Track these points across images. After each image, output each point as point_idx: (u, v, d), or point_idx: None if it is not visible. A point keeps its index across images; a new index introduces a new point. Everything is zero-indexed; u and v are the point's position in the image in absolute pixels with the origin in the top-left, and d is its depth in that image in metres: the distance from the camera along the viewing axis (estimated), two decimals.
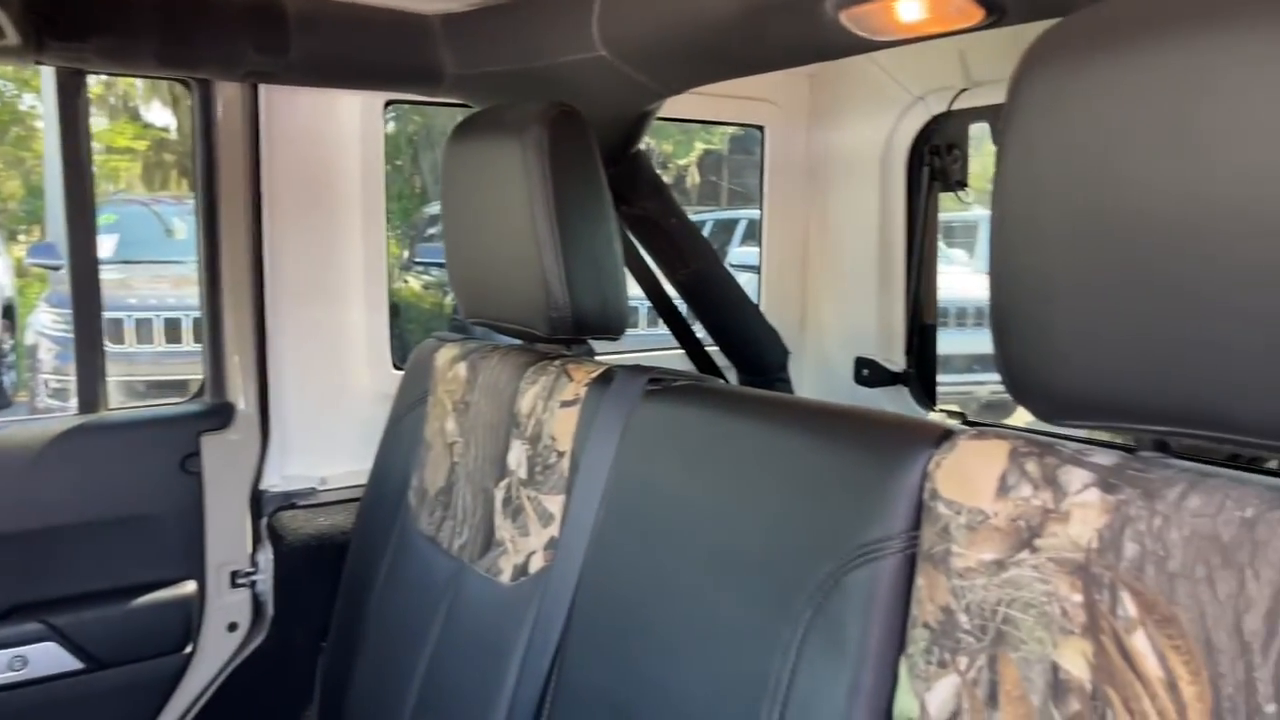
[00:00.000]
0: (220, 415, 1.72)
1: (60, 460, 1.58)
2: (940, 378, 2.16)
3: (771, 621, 0.94)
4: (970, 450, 0.84)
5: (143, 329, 5.80)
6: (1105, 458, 0.76)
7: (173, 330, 5.71)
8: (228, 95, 1.69)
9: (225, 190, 1.71)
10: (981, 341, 0.83)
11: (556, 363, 1.38)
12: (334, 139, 1.81)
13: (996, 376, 1.07)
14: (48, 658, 1.55)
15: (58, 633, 1.55)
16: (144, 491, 1.65)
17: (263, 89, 1.71)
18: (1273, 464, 0.78)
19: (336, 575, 1.73)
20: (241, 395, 1.74)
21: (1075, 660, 0.72)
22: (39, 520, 1.57)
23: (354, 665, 1.59)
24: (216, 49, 1.48)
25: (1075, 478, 0.75)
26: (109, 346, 1.73)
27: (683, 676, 1.03)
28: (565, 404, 1.32)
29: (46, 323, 6.08)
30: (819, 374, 2.28)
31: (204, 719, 1.72)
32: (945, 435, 0.87)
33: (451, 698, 1.36)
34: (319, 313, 1.84)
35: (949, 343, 2.90)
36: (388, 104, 1.85)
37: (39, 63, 1.45)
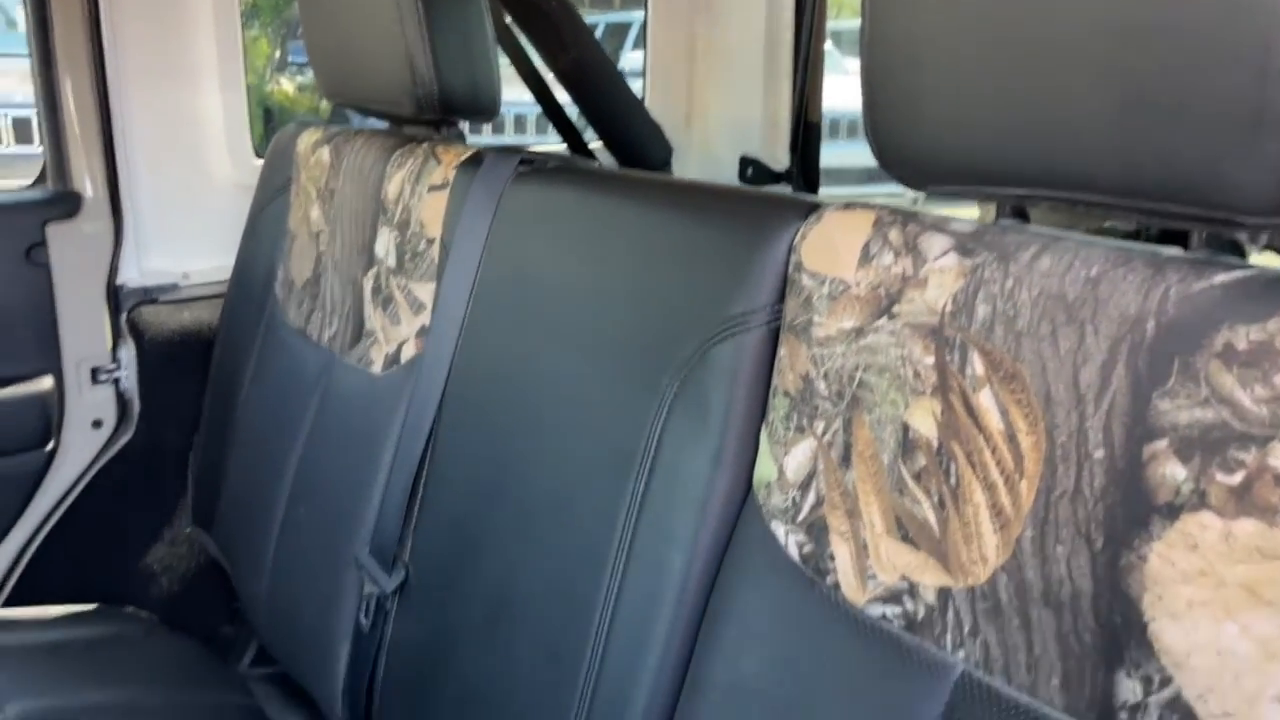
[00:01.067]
0: (65, 203, 1.61)
1: None
2: (825, 190, 2.16)
3: (638, 396, 0.95)
4: (836, 221, 0.84)
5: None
6: (965, 225, 0.76)
7: (22, 129, 5.29)
8: None
9: None
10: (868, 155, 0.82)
11: (424, 145, 1.32)
12: None
13: (883, 189, 1.07)
14: None
15: None
16: None
17: None
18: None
19: (204, 372, 1.68)
20: (88, 182, 1.63)
21: (924, 419, 0.74)
22: None
23: (226, 461, 1.57)
24: None
25: (935, 244, 0.76)
26: None
27: (551, 455, 1.04)
28: (434, 188, 1.27)
29: None
30: (703, 173, 2.25)
31: (72, 516, 1.69)
32: (813, 209, 0.87)
33: (325, 488, 1.35)
34: (171, 95, 1.71)
35: (836, 155, 2.89)
36: None
37: None
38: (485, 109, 1.31)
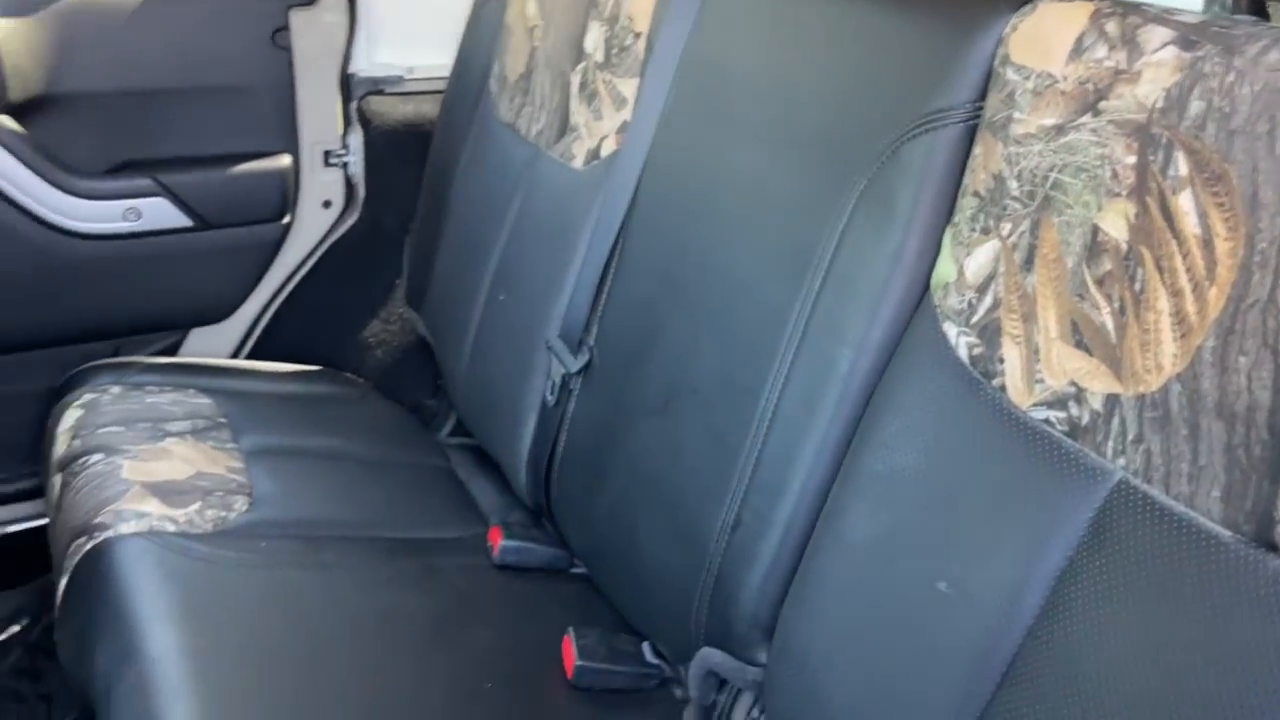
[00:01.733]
0: None
1: (156, 24, 1.61)
2: None
3: (824, 192, 0.95)
4: (1050, 13, 0.79)
5: None
6: (1190, 17, 0.71)
7: None
8: None
9: None
10: None
11: None
12: None
13: None
14: (159, 212, 1.66)
15: (167, 190, 1.65)
16: (236, 61, 1.68)
17: None
18: None
19: (422, 162, 1.78)
20: None
21: (1116, 222, 0.71)
22: (140, 81, 1.63)
23: (437, 246, 1.67)
24: None
25: (1155, 36, 0.71)
26: None
27: (732, 250, 1.06)
28: None
29: None
30: None
31: (302, 288, 1.85)
32: (1025, 0, 0.82)
33: (524, 275, 1.43)
34: None
35: None
36: None
37: None
38: None
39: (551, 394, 1.31)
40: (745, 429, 1.00)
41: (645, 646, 1.17)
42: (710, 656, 1.02)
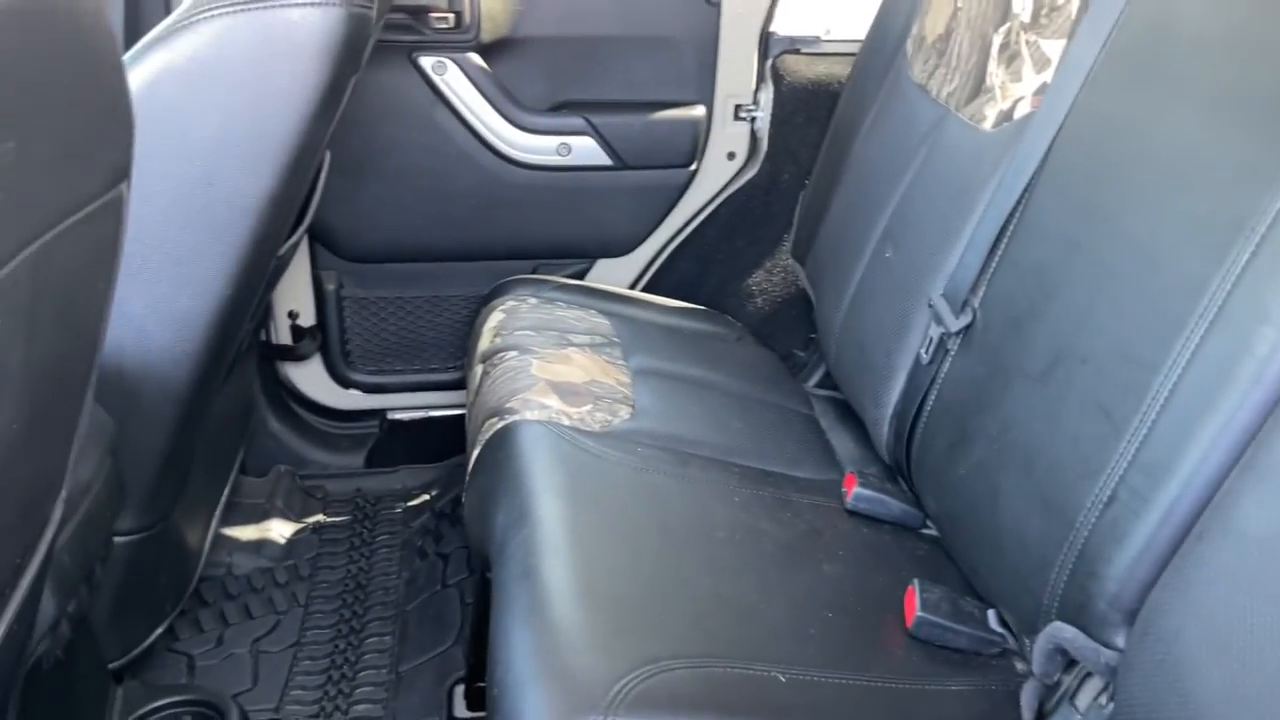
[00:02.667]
0: None
1: None
2: None
3: (1265, 159, 0.88)
4: None
5: None
6: None
7: None
8: None
9: None
10: None
11: None
12: None
13: None
14: (585, 150, 1.85)
15: (594, 130, 1.83)
16: (670, 15, 1.82)
17: None
18: None
19: (826, 121, 1.83)
20: None
21: None
22: (585, 27, 1.81)
23: (830, 201, 1.72)
24: None
25: None
26: None
27: (1149, 216, 1.01)
28: None
29: None
30: None
31: (699, 232, 1.98)
32: None
33: (914, 232, 1.44)
34: None
35: None
36: None
37: None
38: None
39: (927, 352, 1.31)
40: (1136, 404, 0.95)
41: (990, 614, 1.16)
42: (1061, 632, 0.99)
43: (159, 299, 1.17)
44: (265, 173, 1.16)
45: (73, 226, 0.59)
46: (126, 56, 1.09)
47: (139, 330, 1.19)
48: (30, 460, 0.66)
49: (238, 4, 1.11)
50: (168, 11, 1.38)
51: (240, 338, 1.44)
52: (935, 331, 1.30)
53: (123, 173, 0.67)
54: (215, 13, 1.11)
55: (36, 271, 0.55)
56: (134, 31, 1.44)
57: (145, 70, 1.09)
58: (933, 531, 1.34)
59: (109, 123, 0.65)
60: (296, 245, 1.57)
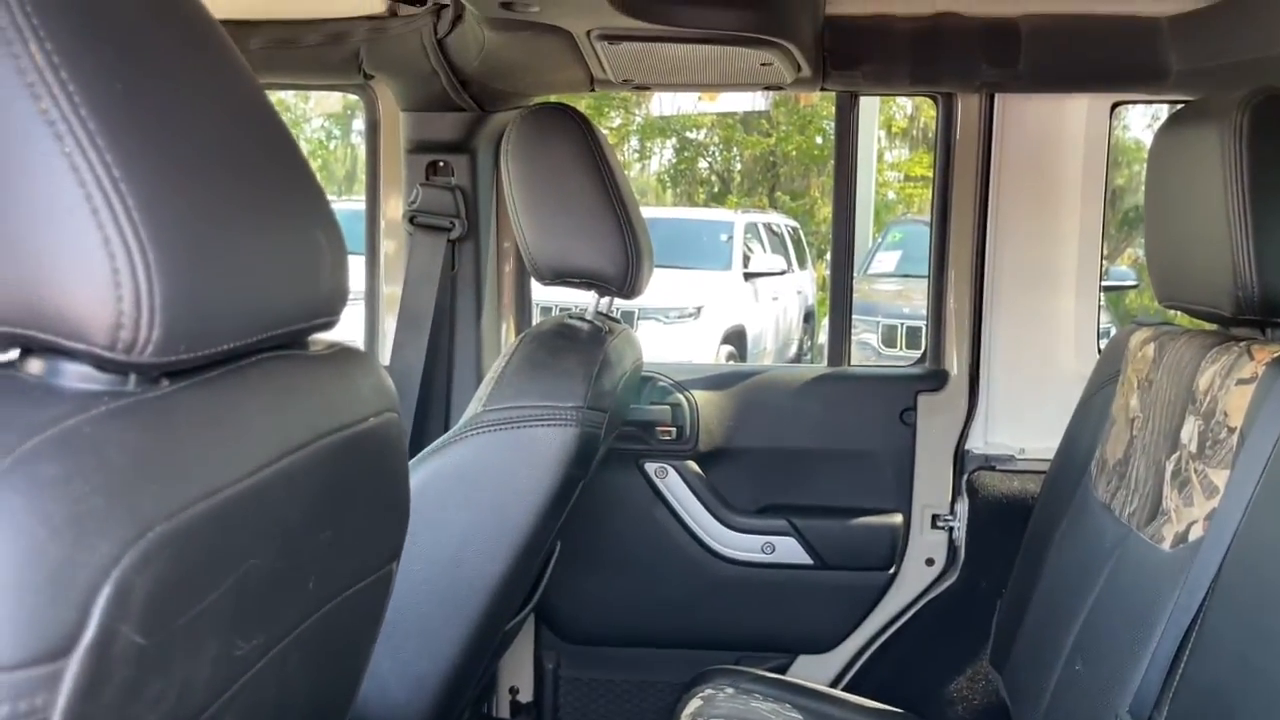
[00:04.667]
0: (935, 379, 2.02)
1: (810, 399, 2.03)
2: None
3: None
4: None
5: (911, 335, 6.58)
6: None
7: (913, 336, 6.38)
8: (966, 108, 1.97)
9: (958, 189, 2.00)
10: None
11: (1241, 343, 1.39)
12: (1059, 140, 1.98)
13: None
14: (788, 549, 2.00)
15: (797, 531, 2.00)
16: (868, 433, 2.02)
17: (997, 99, 1.96)
18: None
19: (1021, 532, 1.91)
20: (955, 364, 2.02)
21: None
22: (790, 441, 2.04)
23: (1026, 611, 1.76)
24: (956, 65, 1.77)
25: None
26: (881, 349, 2.13)
27: None
28: (1242, 381, 1.33)
29: None
30: None
31: (898, 636, 2.04)
32: None
33: (1103, 644, 1.46)
34: (1033, 298, 2.03)
35: None
36: (1114, 106, 1.96)
37: (823, 89, 1.89)
38: None
39: None
40: None
41: None
42: None
43: (403, 662, 1.37)
44: (502, 558, 1.39)
45: (355, 593, 0.80)
46: (411, 462, 1.39)
47: (381, 688, 1.39)
48: None
49: (499, 424, 1.41)
50: (446, 428, 1.72)
51: (464, 705, 1.61)
52: None
53: (395, 553, 0.89)
54: (481, 431, 1.40)
55: (326, 627, 0.75)
56: (417, 442, 1.78)
57: (422, 473, 1.38)
58: None
59: (392, 514, 0.88)
60: (522, 623, 1.78)
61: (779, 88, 1.88)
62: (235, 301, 0.57)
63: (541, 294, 2.15)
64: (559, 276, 1.58)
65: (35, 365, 0.51)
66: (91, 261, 0.47)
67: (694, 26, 1.49)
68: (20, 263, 0.47)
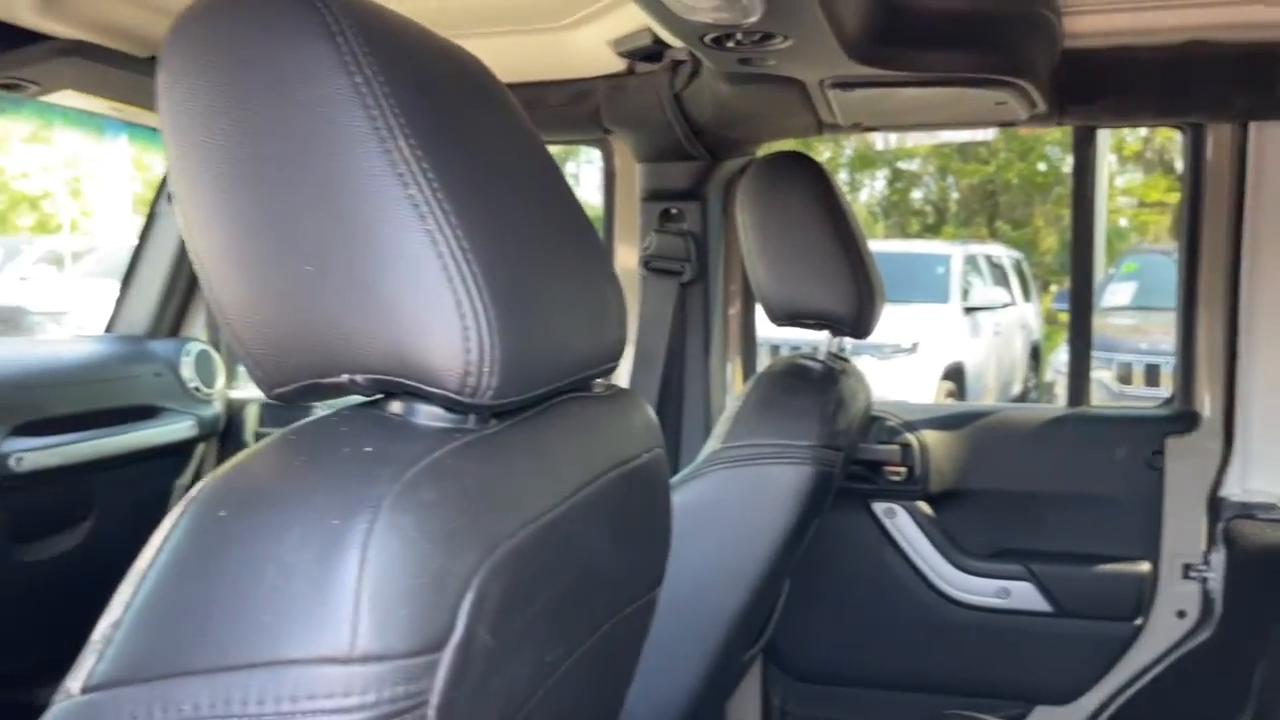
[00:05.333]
0: (1185, 421, 1.92)
1: (1047, 440, 1.97)
2: None
3: None
4: None
5: (1150, 373, 6.22)
6: None
7: (1151, 374, 6.00)
8: (1217, 137, 1.88)
9: (1209, 220, 1.90)
10: None
11: None
12: None
13: None
14: (1025, 595, 1.95)
15: (1034, 577, 1.94)
16: (1111, 477, 1.94)
17: (1251, 127, 1.85)
18: None
19: None
20: (1207, 405, 1.91)
21: None
22: (1026, 484, 1.98)
23: None
24: (1208, 94, 1.70)
25: None
26: (1119, 388, 2.03)
27: None
28: None
29: (1063, 362, 6.91)
30: None
31: (1145, 693, 1.93)
32: None
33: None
34: None
35: None
36: None
37: (1059, 124, 1.85)
38: None
39: None
40: None
41: None
42: None
43: (649, 688, 1.43)
44: (742, 591, 1.43)
45: (628, 615, 0.86)
46: None
47: (628, 713, 1.46)
48: None
49: (737, 460, 1.46)
50: (677, 466, 1.79)
51: None
52: None
53: (659, 580, 0.95)
54: (720, 467, 1.46)
55: (606, 644, 0.81)
56: None
57: None
58: None
59: (658, 543, 0.94)
60: (754, 658, 1.81)
61: (1013, 124, 1.86)
62: (548, 351, 0.65)
63: (765, 332, 2.19)
64: (792, 317, 1.62)
65: (396, 406, 0.61)
66: (448, 321, 0.56)
67: (930, 70, 1.51)
68: (393, 322, 0.57)
